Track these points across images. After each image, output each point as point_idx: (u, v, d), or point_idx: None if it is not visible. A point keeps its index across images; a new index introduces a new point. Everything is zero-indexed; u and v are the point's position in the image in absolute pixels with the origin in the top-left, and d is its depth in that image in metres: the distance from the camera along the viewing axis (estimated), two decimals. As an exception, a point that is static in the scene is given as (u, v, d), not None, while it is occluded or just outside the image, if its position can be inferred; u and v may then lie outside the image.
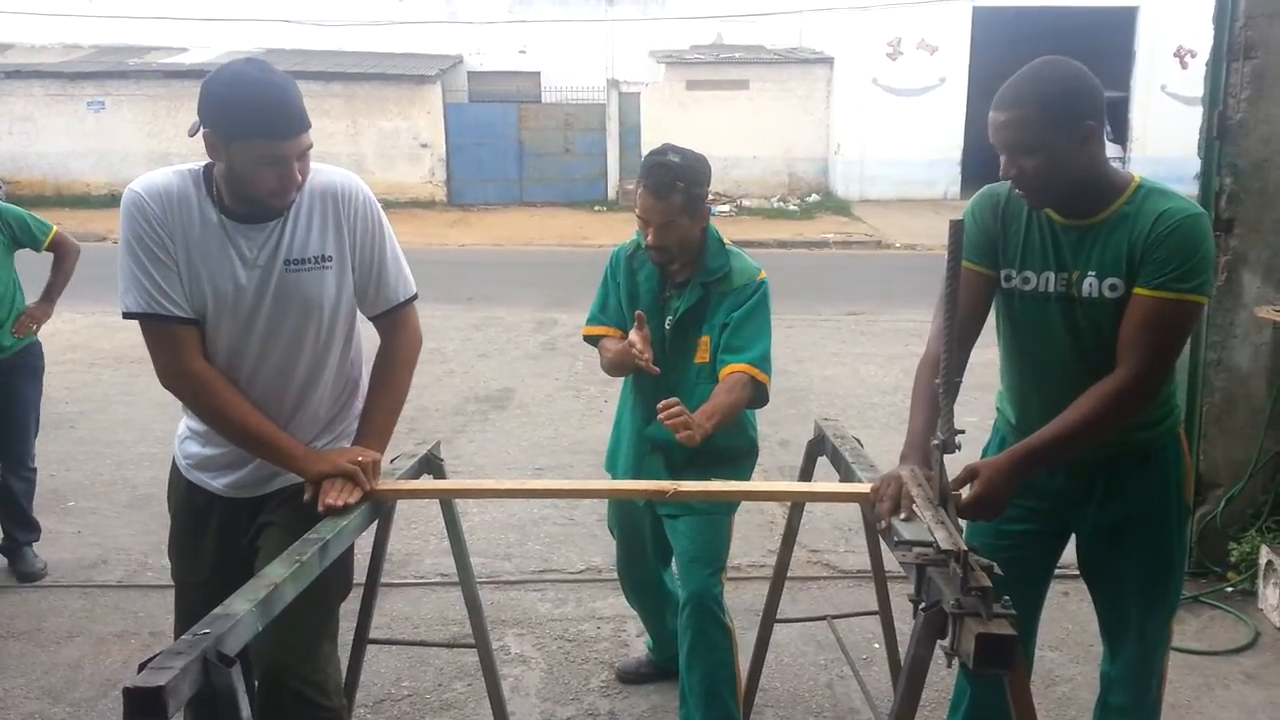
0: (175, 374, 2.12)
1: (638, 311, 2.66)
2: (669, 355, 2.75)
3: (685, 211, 2.62)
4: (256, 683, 2.13)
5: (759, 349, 2.69)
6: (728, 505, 2.87)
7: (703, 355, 2.74)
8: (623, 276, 2.84)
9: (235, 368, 2.18)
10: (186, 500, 2.34)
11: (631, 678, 3.34)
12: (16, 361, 4.05)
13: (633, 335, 2.62)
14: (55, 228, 4.18)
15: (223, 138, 1.98)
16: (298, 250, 2.14)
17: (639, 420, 2.88)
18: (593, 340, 2.92)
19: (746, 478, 2.90)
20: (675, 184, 2.58)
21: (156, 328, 2.09)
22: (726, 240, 2.82)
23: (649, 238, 2.65)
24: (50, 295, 4.18)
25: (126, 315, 2.10)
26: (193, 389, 2.13)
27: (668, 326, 2.76)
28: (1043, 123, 1.95)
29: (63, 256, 4.20)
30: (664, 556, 3.11)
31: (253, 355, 2.18)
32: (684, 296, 2.73)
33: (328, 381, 2.29)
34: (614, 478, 2.97)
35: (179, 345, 2.10)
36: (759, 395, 2.70)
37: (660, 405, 2.45)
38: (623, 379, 2.98)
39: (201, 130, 2.00)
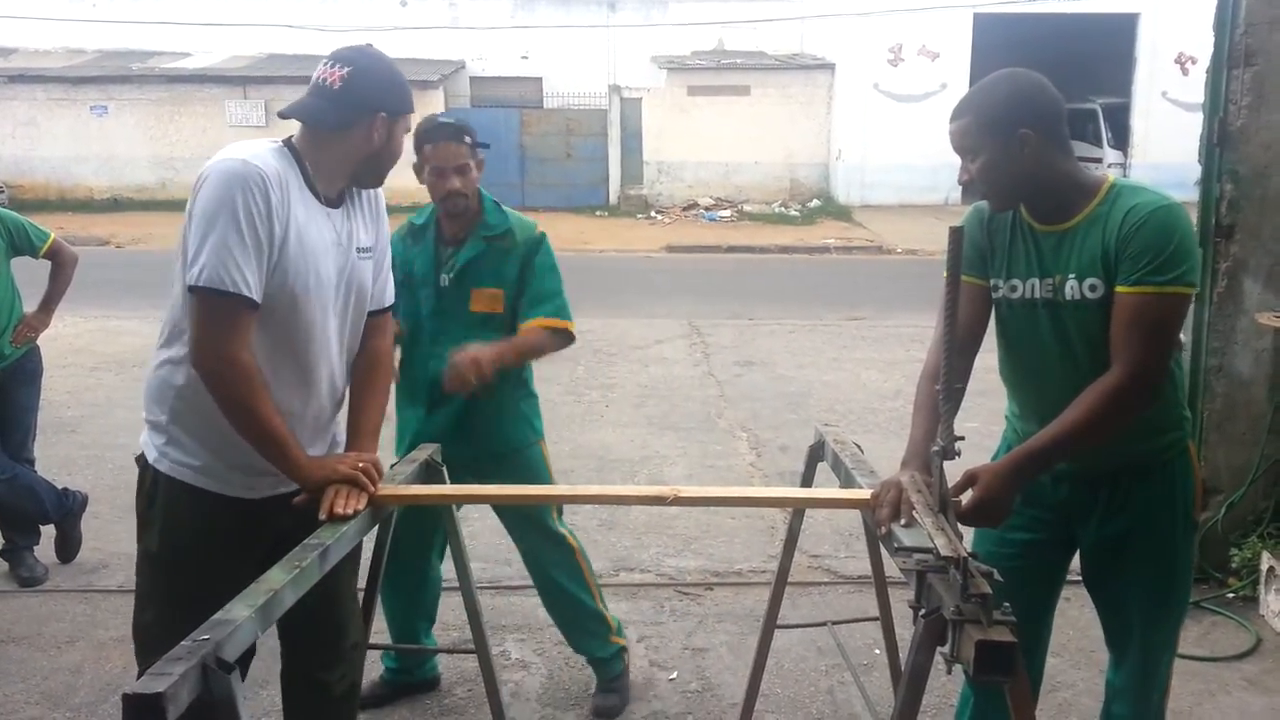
0: (223, 358, 1.99)
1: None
2: (444, 309, 2.96)
3: (472, 156, 2.88)
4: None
5: (556, 300, 2.98)
6: (530, 441, 3.13)
7: (480, 304, 2.94)
8: (398, 257, 2.87)
9: (313, 353, 2.14)
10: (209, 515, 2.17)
11: (371, 701, 3.14)
12: (14, 366, 4.06)
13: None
14: (53, 235, 4.18)
15: (396, 116, 2.11)
16: (362, 238, 2.23)
17: (416, 375, 3.01)
18: None
19: (531, 438, 3.12)
20: (461, 134, 2.85)
21: (228, 307, 1.97)
22: (501, 204, 3.04)
23: (450, 183, 2.84)
24: (49, 304, 4.17)
25: (204, 287, 1.95)
26: (235, 377, 2.00)
27: (444, 282, 2.95)
28: (978, 130, 2.07)
29: (60, 264, 4.19)
30: (437, 555, 3.20)
31: (332, 338, 2.18)
32: (463, 251, 2.94)
33: (347, 366, 2.31)
34: (399, 450, 2.99)
35: (240, 330, 1.99)
36: (561, 337, 3.00)
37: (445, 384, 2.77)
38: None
39: (379, 116, 2.09)
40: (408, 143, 2.41)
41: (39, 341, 4.16)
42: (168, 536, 2.16)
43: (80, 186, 21.11)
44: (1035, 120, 2.05)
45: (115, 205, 20.53)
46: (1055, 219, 2.12)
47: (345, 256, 2.18)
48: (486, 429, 2.99)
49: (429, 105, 21.47)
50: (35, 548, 4.17)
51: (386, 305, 2.37)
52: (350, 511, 2.07)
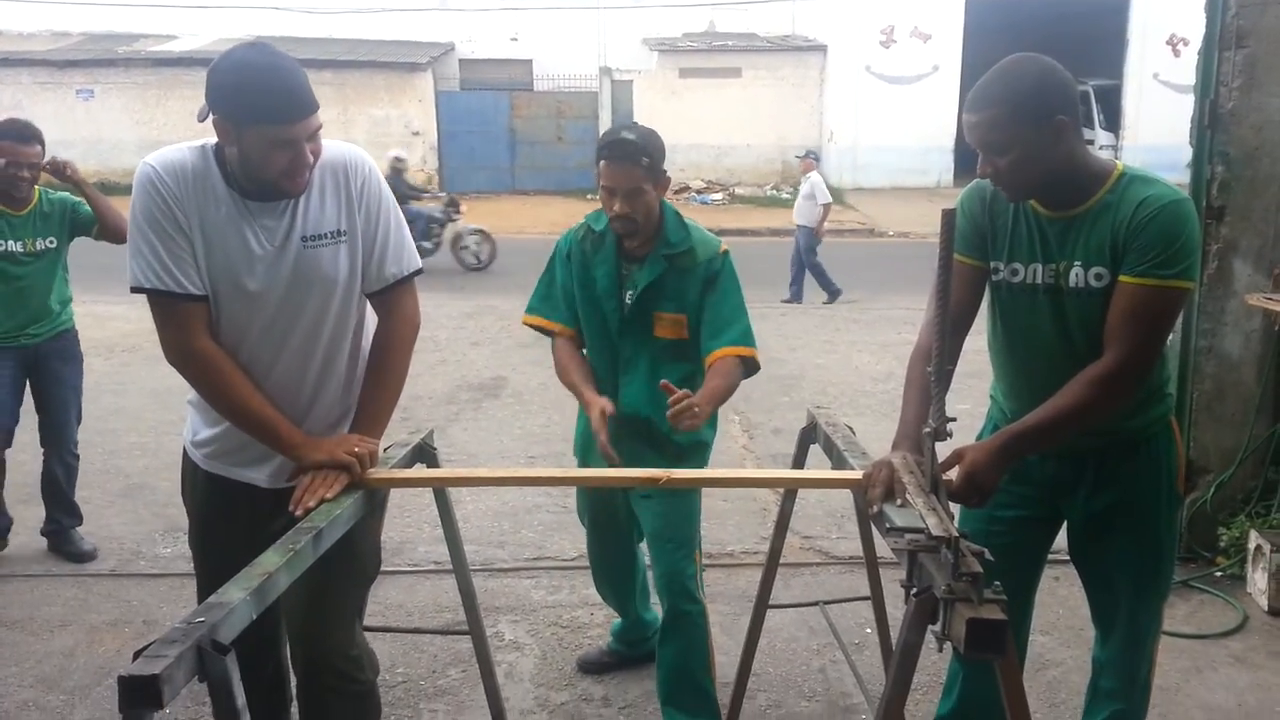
0: (180, 351, 2.09)
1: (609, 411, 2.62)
2: (627, 331, 2.79)
3: (649, 179, 2.66)
4: (292, 663, 2.32)
5: (740, 326, 2.74)
6: (707, 443, 2.92)
7: (664, 330, 2.76)
8: (575, 262, 2.84)
9: (258, 348, 2.14)
10: (205, 495, 2.31)
11: (593, 668, 3.34)
12: (55, 346, 4.14)
13: (601, 419, 2.60)
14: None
15: (233, 124, 1.97)
16: (313, 226, 2.13)
17: (606, 391, 2.82)
18: (538, 330, 2.94)
19: (705, 462, 2.94)
20: (639, 155, 2.63)
21: (164, 303, 2.06)
22: (684, 215, 2.85)
23: (616, 207, 2.66)
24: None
25: (134, 289, 2.07)
26: (197, 367, 2.10)
27: (628, 301, 2.78)
28: (1013, 122, 1.97)
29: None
30: (635, 538, 3.14)
31: (276, 334, 2.15)
32: (644, 271, 2.75)
33: (344, 361, 2.27)
34: (587, 464, 2.96)
35: (186, 322, 2.07)
36: (749, 369, 2.75)
37: (671, 401, 2.45)
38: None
39: (211, 116, 1.99)
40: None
41: (77, 327, 4.32)
42: (190, 507, 2.37)
43: (67, 170, 20.95)
44: (1067, 106, 1.99)
45: (102, 189, 19.56)
46: (1063, 205, 2.09)
47: (281, 249, 2.10)
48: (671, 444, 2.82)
49: (418, 88, 21.39)
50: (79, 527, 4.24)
51: (390, 282, 2.26)
52: (321, 499, 2.05)
